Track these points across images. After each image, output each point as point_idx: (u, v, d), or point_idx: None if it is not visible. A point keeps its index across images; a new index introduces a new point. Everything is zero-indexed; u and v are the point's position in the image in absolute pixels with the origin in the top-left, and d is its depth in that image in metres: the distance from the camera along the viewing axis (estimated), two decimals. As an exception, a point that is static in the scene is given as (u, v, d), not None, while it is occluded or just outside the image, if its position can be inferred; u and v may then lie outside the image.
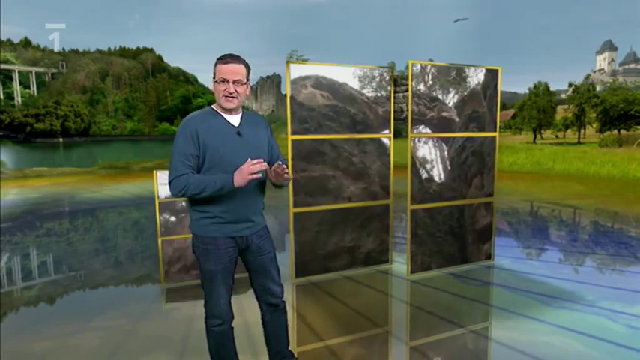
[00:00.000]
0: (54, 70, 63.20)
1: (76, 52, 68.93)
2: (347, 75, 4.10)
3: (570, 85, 33.06)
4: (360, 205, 4.30)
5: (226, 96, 2.03)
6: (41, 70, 62.89)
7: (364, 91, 4.18)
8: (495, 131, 4.48)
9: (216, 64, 2.05)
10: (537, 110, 33.68)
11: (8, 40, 64.68)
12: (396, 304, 3.78)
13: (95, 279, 4.47)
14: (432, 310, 3.51)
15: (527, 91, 36.09)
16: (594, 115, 30.97)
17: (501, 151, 21.43)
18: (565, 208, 8.57)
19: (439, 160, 4.24)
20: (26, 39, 68.58)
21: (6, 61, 60.45)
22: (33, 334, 3.14)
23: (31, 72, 62.11)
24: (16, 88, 59.93)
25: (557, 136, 36.91)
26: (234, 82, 2.02)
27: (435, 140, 4.21)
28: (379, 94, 4.25)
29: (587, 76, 32.79)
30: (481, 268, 4.49)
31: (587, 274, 4.43)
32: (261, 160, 1.95)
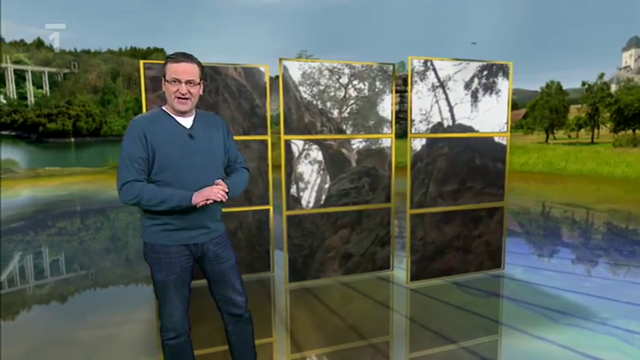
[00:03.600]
0: (66, 71, 63.96)
1: (87, 52, 69.70)
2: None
3: (584, 84, 32.58)
4: (360, 208, 4.17)
5: (179, 97, 1.90)
6: (53, 70, 63.70)
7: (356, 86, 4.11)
8: (506, 131, 4.31)
9: (166, 63, 1.91)
10: (549, 110, 33.26)
11: (21, 40, 65.65)
12: (389, 315, 3.54)
13: (106, 278, 4.49)
14: (426, 324, 3.30)
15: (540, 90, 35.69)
16: (608, 114, 30.50)
17: (512, 151, 21.23)
18: (578, 209, 8.41)
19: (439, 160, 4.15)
20: (39, 39, 69.50)
21: (19, 62, 61.33)
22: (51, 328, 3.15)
23: (44, 72, 62.95)
24: (29, 88, 60.76)
25: (569, 136, 36.42)
26: (186, 82, 1.89)
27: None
28: (378, 92, 4.10)
29: (601, 75, 32.27)
30: (489, 278, 4.24)
31: (605, 287, 4.07)
32: (224, 189, 1.91)
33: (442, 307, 3.60)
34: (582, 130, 35.83)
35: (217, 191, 1.89)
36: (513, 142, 29.40)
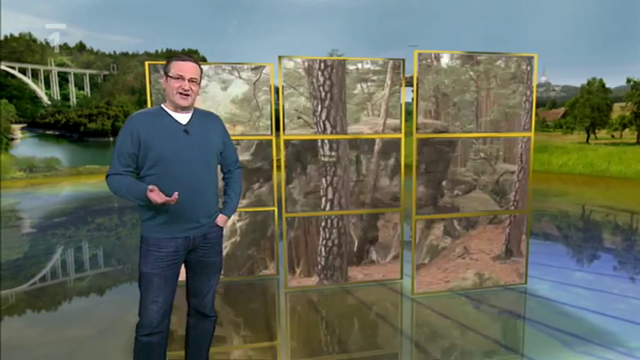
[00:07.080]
0: (105, 72, 66.55)
1: (125, 54, 72.29)
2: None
3: (629, 81, 31.03)
4: (367, 212, 3.99)
5: (181, 93, 1.96)
6: (94, 72, 66.42)
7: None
8: (530, 130, 3.84)
9: (170, 61, 2.00)
10: (591, 108, 31.89)
11: (65, 44, 68.85)
12: (385, 330, 3.27)
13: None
14: (418, 340, 3.06)
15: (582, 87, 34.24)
16: (655, 113, 28.91)
17: (550, 151, 20.39)
18: (621, 214, 8.00)
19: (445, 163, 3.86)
20: (81, 43, 72.68)
21: (62, 64, 64.39)
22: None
23: (85, 74, 65.77)
24: (72, 89, 63.62)
25: (613, 136, 34.77)
26: (190, 79, 1.97)
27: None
28: (387, 88, 3.88)
29: (647, 72, 30.58)
30: (507, 292, 3.82)
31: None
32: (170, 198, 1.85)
33: (447, 324, 3.29)
34: (627, 130, 34.13)
35: (157, 200, 1.84)
36: (552, 142, 28.28)
